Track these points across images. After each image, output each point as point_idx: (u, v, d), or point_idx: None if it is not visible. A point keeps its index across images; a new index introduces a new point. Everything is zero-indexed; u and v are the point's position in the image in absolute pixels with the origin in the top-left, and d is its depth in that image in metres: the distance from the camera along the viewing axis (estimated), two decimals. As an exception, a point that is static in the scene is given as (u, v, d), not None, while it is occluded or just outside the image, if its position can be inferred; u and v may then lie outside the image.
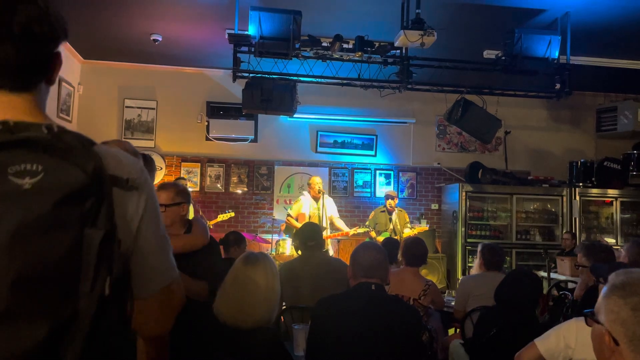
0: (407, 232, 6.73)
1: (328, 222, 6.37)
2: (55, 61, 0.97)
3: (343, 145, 7.96)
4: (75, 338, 0.80)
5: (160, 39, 6.21)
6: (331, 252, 6.50)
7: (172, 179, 7.41)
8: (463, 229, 7.33)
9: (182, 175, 7.38)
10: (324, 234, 6.17)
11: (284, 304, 3.49)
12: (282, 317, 3.38)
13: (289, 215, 6.50)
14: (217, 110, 7.58)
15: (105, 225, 0.85)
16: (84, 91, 7.39)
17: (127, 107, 7.53)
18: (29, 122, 0.85)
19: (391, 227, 6.77)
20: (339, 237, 6.63)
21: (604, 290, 1.31)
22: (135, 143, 7.50)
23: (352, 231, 6.45)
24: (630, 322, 1.23)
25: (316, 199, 6.38)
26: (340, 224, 6.58)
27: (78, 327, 0.80)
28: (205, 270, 2.64)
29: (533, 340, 2.27)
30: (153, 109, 7.58)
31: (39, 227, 0.78)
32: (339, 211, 6.92)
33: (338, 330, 2.26)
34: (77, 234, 0.81)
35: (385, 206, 6.89)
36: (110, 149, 0.97)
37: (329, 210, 6.43)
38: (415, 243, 3.96)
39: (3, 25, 0.87)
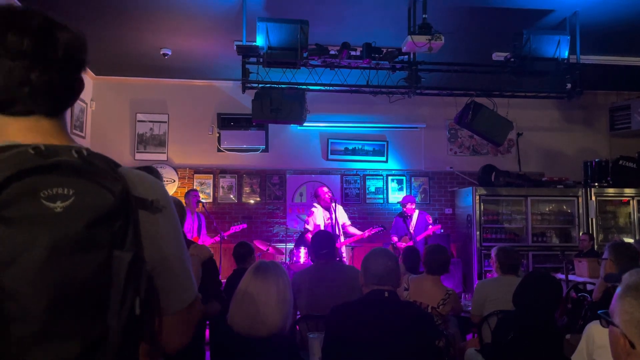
0: None
1: (341, 230, 6.37)
2: (82, 85, 1.01)
3: (354, 152, 7.96)
4: (108, 354, 0.83)
5: (169, 53, 6.29)
6: (345, 253, 6.51)
7: (184, 191, 7.46)
8: (478, 233, 7.27)
9: (194, 187, 7.44)
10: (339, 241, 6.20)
11: (298, 312, 3.49)
12: (297, 326, 3.38)
13: (307, 231, 6.49)
14: (227, 121, 7.64)
15: (133, 247, 0.87)
16: (96, 107, 7.50)
17: (139, 121, 7.61)
18: (58, 146, 0.88)
19: (412, 230, 6.79)
20: (357, 240, 6.61)
21: (617, 291, 1.28)
22: (147, 156, 7.71)
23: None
24: None
25: (327, 208, 6.37)
26: (353, 230, 6.58)
27: (108, 345, 0.83)
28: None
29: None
30: (165, 122, 7.66)
31: (71, 249, 0.80)
32: (352, 218, 6.92)
33: (353, 337, 2.25)
34: (107, 256, 0.83)
35: (404, 212, 6.92)
36: (134, 170, 1.00)
37: (340, 218, 6.43)
38: (435, 251, 3.86)
39: (48, 51, 0.90)
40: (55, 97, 0.94)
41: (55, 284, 0.79)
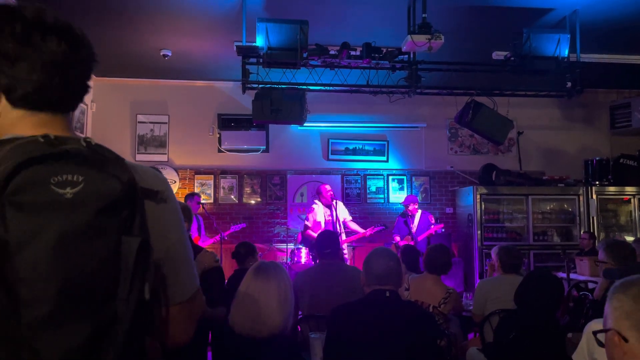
0: None
1: (342, 227, 6.37)
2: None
3: (355, 152, 7.96)
4: (116, 340, 0.85)
5: (169, 54, 6.29)
6: (346, 251, 6.51)
7: (186, 192, 7.47)
8: (479, 232, 7.27)
9: (195, 190, 7.43)
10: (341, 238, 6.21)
11: (300, 312, 3.49)
12: (298, 326, 3.38)
13: (307, 227, 6.50)
14: (228, 122, 7.65)
15: (140, 234, 0.89)
16: (97, 108, 7.50)
17: (139, 122, 7.62)
18: (67, 136, 0.90)
19: (414, 229, 6.80)
20: (359, 238, 6.62)
21: (607, 299, 1.32)
22: (148, 157, 7.72)
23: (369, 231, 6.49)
24: (635, 312, 1.24)
25: (328, 206, 6.39)
26: (354, 226, 6.60)
27: (118, 329, 0.85)
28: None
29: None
30: (165, 123, 7.66)
31: (81, 235, 0.82)
32: (354, 218, 6.93)
33: (354, 337, 2.25)
34: (116, 242, 0.85)
35: (406, 212, 6.94)
36: (138, 164, 1.03)
37: (341, 214, 6.45)
38: (437, 251, 3.87)
39: (74, 51, 0.95)
40: (73, 94, 0.99)
41: (66, 268, 0.80)
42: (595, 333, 1.35)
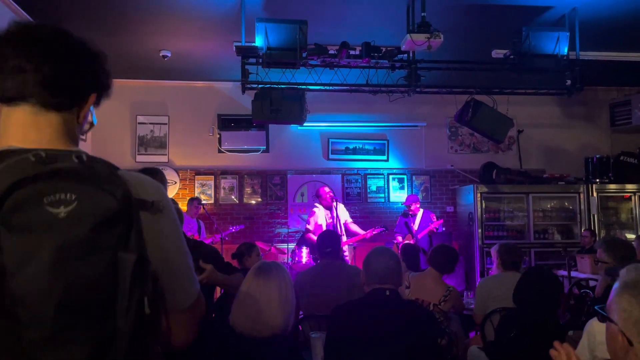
0: None
1: (343, 229, 6.37)
2: (87, 99, 1.07)
3: (355, 151, 7.96)
4: (117, 355, 0.85)
5: (169, 54, 6.29)
6: (347, 252, 6.51)
7: (186, 192, 7.48)
8: (480, 231, 7.27)
9: (196, 195, 7.43)
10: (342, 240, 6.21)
11: (301, 312, 3.49)
12: (299, 326, 3.38)
13: (308, 230, 6.50)
14: (228, 122, 7.65)
15: (137, 248, 0.89)
16: (96, 110, 7.49)
17: (139, 123, 7.62)
18: (59, 151, 0.89)
19: (416, 228, 6.81)
20: (359, 240, 6.62)
21: (615, 287, 1.26)
22: (148, 158, 7.71)
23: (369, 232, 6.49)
24: None
25: (329, 208, 6.38)
26: (355, 227, 6.59)
27: (118, 344, 0.85)
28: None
29: None
30: (165, 124, 7.66)
31: (76, 253, 0.81)
32: (354, 217, 6.93)
33: (355, 337, 2.26)
34: (112, 258, 0.85)
35: (407, 212, 6.95)
36: (133, 173, 1.01)
37: (342, 216, 6.44)
38: (444, 252, 3.88)
39: (59, 46, 0.98)
40: (53, 91, 0.97)
41: (63, 288, 0.80)
42: (598, 313, 1.31)
